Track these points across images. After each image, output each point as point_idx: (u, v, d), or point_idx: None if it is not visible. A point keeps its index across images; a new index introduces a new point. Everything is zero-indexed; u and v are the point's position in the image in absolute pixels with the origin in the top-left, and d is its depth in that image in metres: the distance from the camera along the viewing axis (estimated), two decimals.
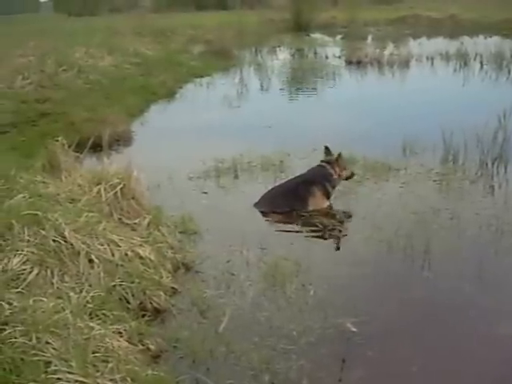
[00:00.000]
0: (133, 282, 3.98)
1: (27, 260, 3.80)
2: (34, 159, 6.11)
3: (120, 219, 4.93)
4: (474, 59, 16.37)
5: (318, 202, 5.82)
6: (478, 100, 11.19)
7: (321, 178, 5.87)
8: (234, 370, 3.38)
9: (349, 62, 17.50)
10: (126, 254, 4.24)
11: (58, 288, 3.72)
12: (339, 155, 5.92)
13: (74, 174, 5.56)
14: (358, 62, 17.23)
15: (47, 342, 2.97)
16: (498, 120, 7.77)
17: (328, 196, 5.89)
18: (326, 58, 18.96)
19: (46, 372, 2.78)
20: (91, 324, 3.31)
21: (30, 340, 2.94)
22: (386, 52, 17.99)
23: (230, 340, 3.62)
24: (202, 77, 15.42)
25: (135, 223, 4.94)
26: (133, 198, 5.12)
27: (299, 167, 6.53)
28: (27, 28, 26.52)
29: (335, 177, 5.89)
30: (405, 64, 16.77)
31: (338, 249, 5.09)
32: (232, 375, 3.32)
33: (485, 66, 15.40)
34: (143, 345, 3.49)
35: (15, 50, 14.24)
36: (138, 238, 4.56)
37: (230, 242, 5.04)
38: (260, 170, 7.05)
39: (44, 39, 16.57)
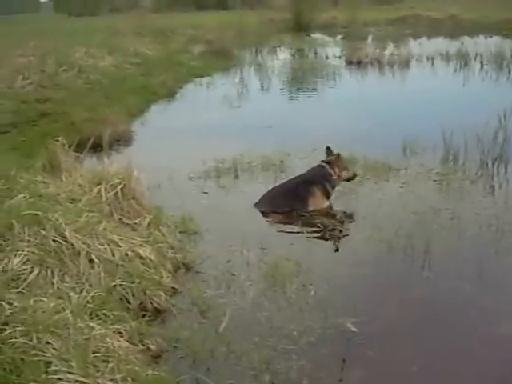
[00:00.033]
0: (133, 282, 3.98)
1: (27, 260, 3.80)
2: (35, 159, 6.11)
3: (120, 219, 4.93)
4: (475, 59, 16.37)
5: (318, 201, 5.82)
6: (478, 100, 11.19)
7: (320, 177, 5.87)
8: (235, 370, 3.38)
9: (349, 62, 17.51)
10: (127, 254, 4.24)
11: (58, 288, 3.73)
12: (338, 156, 5.91)
13: (74, 174, 5.56)
14: (359, 62, 17.24)
15: (47, 342, 2.97)
16: (498, 120, 7.77)
17: (328, 196, 5.89)
18: (327, 58, 18.97)
19: (46, 372, 2.79)
20: (91, 324, 3.32)
21: (31, 340, 2.94)
22: (387, 52, 18.00)
23: (230, 340, 3.62)
24: (202, 77, 15.43)
25: (135, 223, 4.94)
26: (133, 198, 5.12)
27: (299, 167, 6.53)
28: (27, 28, 26.53)
29: (334, 177, 5.88)
30: (405, 64, 16.78)
31: (338, 249, 5.09)
32: (232, 375, 3.32)
33: (485, 66, 15.41)
34: (143, 345, 3.49)
35: (15, 50, 14.24)
36: (139, 238, 4.56)
37: (230, 242, 5.04)
38: (260, 170, 7.05)
39: (44, 39, 16.58)
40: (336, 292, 4.21)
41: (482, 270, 4.47)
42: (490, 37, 22.73)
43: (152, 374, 3.09)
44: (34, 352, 2.87)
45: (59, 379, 2.77)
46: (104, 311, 3.57)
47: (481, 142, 7.05)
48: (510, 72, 14.31)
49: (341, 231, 5.29)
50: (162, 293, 4.05)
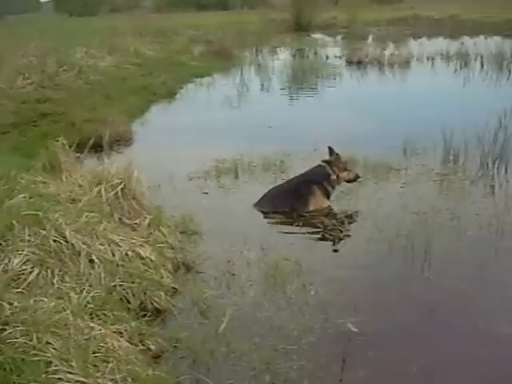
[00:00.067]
0: (133, 282, 3.98)
1: (28, 260, 3.80)
2: (35, 159, 6.10)
3: (120, 219, 4.93)
4: (475, 59, 16.39)
5: (318, 201, 5.81)
6: (478, 100, 11.20)
7: (319, 177, 5.86)
8: (235, 370, 3.38)
9: (349, 62, 17.55)
10: (127, 254, 4.24)
11: (58, 288, 3.72)
12: (337, 156, 5.88)
13: (74, 175, 5.57)
14: (359, 62, 17.27)
15: (48, 342, 2.97)
16: (498, 120, 7.78)
17: (327, 196, 5.89)
18: (327, 58, 18.98)
19: (46, 372, 2.78)
20: (92, 324, 3.32)
21: (31, 340, 2.94)
22: (387, 52, 18.03)
23: (230, 340, 3.62)
24: (202, 77, 15.44)
25: (136, 223, 4.94)
26: (133, 198, 5.12)
27: (300, 167, 6.52)
28: (28, 28, 26.56)
29: (333, 177, 5.86)
30: (405, 64, 16.81)
31: (338, 249, 5.08)
32: (232, 375, 3.32)
33: (485, 67, 15.41)
34: (144, 345, 3.49)
35: (16, 51, 14.24)
36: (139, 238, 4.56)
37: (230, 242, 5.05)
38: (260, 170, 7.05)
39: (45, 39, 16.59)
40: (336, 292, 4.21)
41: (483, 270, 4.48)
42: (491, 37, 22.71)
43: (152, 374, 3.09)
44: (34, 352, 2.87)
45: (59, 379, 2.77)
46: (104, 311, 3.57)
47: (481, 143, 7.05)
48: (510, 72, 14.32)
49: (341, 231, 5.29)
50: (162, 293, 4.04)
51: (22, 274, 3.72)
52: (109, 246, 4.21)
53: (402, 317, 3.95)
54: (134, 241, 4.46)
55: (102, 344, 3.13)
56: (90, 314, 3.49)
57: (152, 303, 3.97)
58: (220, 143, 8.31)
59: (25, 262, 3.78)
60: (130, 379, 2.95)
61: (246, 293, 4.24)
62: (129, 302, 3.89)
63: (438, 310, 4.01)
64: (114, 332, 3.39)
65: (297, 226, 5.45)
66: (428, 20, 32.37)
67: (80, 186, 5.23)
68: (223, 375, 3.32)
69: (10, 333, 2.96)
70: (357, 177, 6.05)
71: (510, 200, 5.82)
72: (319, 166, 5.95)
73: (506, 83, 13.14)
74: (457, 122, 7.91)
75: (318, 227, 5.40)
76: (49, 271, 3.82)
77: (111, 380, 2.89)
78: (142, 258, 4.30)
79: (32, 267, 3.77)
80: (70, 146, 5.91)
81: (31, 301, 3.34)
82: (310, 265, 4.59)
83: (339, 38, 27.19)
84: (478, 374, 3.37)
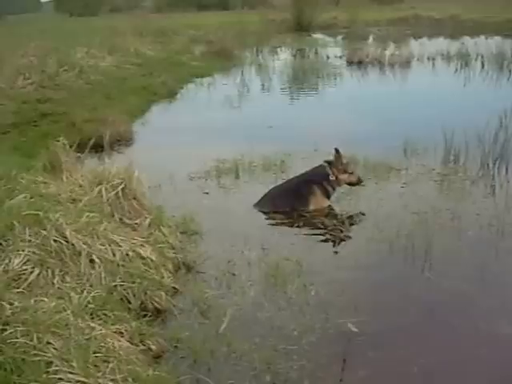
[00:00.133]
0: (134, 282, 3.98)
1: (28, 260, 3.80)
2: (35, 159, 6.11)
3: (121, 219, 4.93)
4: (475, 59, 16.39)
5: (318, 201, 5.81)
6: (479, 100, 11.19)
7: (319, 177, 5.85)
8: (235, 370, 3.39)
9: (350, 62, 17.55)
10: (127, 254, 4.24)
11: (59, 288, 3.72)
12: (337, 157, 5.82)
13: (75, 175, 5.57)
14: (359, 62, 17.28)
15: (48, 342, 2.97)
16: (499, 120, 7.79)
17: (328, 196, 5.88)
18: (328, 58, 18.99)
19: (47, 372, 2.79)
20: (92, 324, 3.32)
21: (31, 340, 2.94)
22: (387, 52, 18.03)
23: (231, 340, 3.62)
24: (203, 77, 15.45)
25: (136, 223, 4.94)
26: (134, 198, 5.12)
27: (300, 167, 6.51)
28: (28, 28, 26.57)
29: (332, 178, 5.84)
30: (406, 64, 16.80)
31: (338, 249, 5.08)
32: (233, 375, 3.33)
33: (486, 67, 15.41)
34: (144, 345, 3.49)
35: (16, 51, 14.25)
36: (139, 238, 4.56)
37: (231, 242, 5.05)
38: (261, 170, 7.05)
39: (45, 39, 16.59)
40: (337, 292, 4.21)
41: (483, 270, 4.48)
42: (491, 37, 22.71)
43: (153, 374, 3.09)
44: (34, 352, 2.87)
45: (60, 379, 2.77)
46: (105, 311, 3.57)
47: (482, 143, 7.05)
48: (510, 72, 14.31)
49: (341, 231, 5.29)
50: (162, 293, 4.04)
51: (23, 273, 3.73)
52: (109, 245, 4.21)
53: (403, 317, 3.95)
54: (134, 241, 4.46)
55: (102, 344, 3.14)
56: (91, 314, 3.49)
57: (152, 303, 3.97)
58: (220, 143, 8.31)
59: (25, 262, 3.78)
60: (130, 379, 2.95)
61: (247, 293, 4.24)
62: (129, 302, 3.89)
63: (438, 310, 4.01)
64: (115, 332, 3.39)
65: (297, 226, 5.46)
66: (428, 20, 32.38)
67: (80, 185, 5.23)
68: (224, 375, 3.32)
69: (10, 333, 2.96)
70: (359, 181, 5.97)
71: (510, 200, 5.82)
72: (320, 166, 5.94)
73: (507, 83, 13.13)
74: (457, 121, 7.91)
75: (319, 227, 5.40)
76: (49, 271, 3.82)
77: (112, 380, 2.89)
78: (142, 257, 4.30)
79: (32, 267, 3.78)
80: (71, 146, 5.92)
81: (32, 301, 3.34)
82: (310, 265, 4.59)
83: (340, 38, 27.20)
84: (478, 375, 3.37)
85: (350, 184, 5.98)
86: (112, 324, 3.48)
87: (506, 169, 6.75)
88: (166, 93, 12.97)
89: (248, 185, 6.61)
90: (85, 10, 49.10)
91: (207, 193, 6.40)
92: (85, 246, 4.06)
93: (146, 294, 3.97)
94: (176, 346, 3.60)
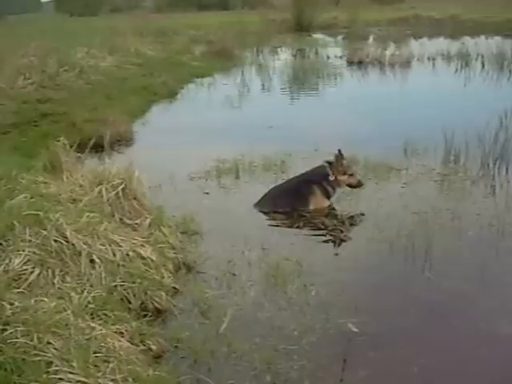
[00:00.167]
0: (134, 282, 3.98)
1: (28, 260, 3.80)
2: (36, 159, 6.11)
3: (121, 219, 4.93)
4: (476, 59, 16.39)
5: (318, 200, 5.81)
6: (479, 100, 11.19)
7: (319, 177, 5.85)
8: (236, 370, 3.39)
9: (350, 63, 17.55)
10: (128, 255, 4.25)
11: (59, 288, 3.73)
12: (337, 158, 5.81)
13: (75, 175, 5.57)
14: (360, 63, 17.28)
15: (48, 342, 2.98)
16: (499, 120, 7.79)
17: (328, 196, 5.88)
18: (328, 58, 18.99)
19: (47, 372, 2.79)
20: (92, 324, 3.32)
21: (32, 340, 2.94)
22: (388, 52, 18.02)
23: (231, 340, 3.62)
24: (203, 77, 15.45)
25: (136, 223, 4.94)
26: (134, 199, 5.12)
27: (301, 167, 6.51)
28: (29, 28, 26.57)
29: (332, 178, 5.83)
30: (406, 64, 16.80)
31: (339, 249, 5.08)
32: (233, 375, 3.33)
33: (486, 67, 15.40)
34: (144, 345, 3.49)
35: (17, 51, 14.25)
36: (140, 239, 4.56)
37: (231, 242, 5.05)
38: (261, 170, 7.05)
39: (45, 39, 16.59)
40: (337, 292, 4.21)
41: (483, 270, 4.48)
42: (491, 37, 22.71)
43: (153, 375, 3.10)
44: (34, 352, 2.88)
45: (60, 379, 2.77)
46: (105, 311, 3.57)
47: (482, 143, 7.05)
48: (511, 72, 14.30)
49: (342, 231, 5.29)
50: (163, 293, 4.05)
51: (23, 274, 3.73)
52: (110, 246, 4.21)
53: (403, 317, 3.95)
54: (134, 241, 4.47)
55: (102, 344, 3.14)
56: (91, 314, 3.49)
57: (153, 303, 3.97)
58: (221, 143, 8.31)
59: (26, 262, 3.78)
60: (130, 379, 2.95)
61: (247, 293, 4.24)
62: (130, 302, 3.90)
63: (438, 311, 4.01)
64: (115, 332, 3.39)
65: (297, 226, 5.45)
66: (429, 20, 32.38)
67: (81, 186, 5.23)
68: (224, 375, 3.32)
69: (10, 333, 2.96)
70: (359, 183, 5.94)
71: (510, 200, 5.82)
72: (321, 166, 5.94)
73: (507, 83, 13.13)
74: (458, 122, 7.91)
75: (319, 227, 5.40)
76: (49, 271, 3.83)
77: (112, 380, 2.89)
78: (142, 258, 4.30)
79: (33, 267, 3.78)
80: (71, 146, 5.92)
81: (32, 301, 3.34)
82: (310, 265, 4.59)
83: (340, 38, 27.20)
84: (478, 375, 3.37)
85: (350, 186, 5.96)
86: (112, 324, 3.48)
87: (507, 169, 6.75)
88: (166, 93, 12.97)
89: (248, 185, 6.61)
90: (85, 10, 49.10)
91: (207, 193, 6.40)
92: (85, 246, 4.06)
93: (146, 294, 3.97)
94: (176, 346, 3.60)
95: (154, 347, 3.50)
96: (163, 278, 4.22)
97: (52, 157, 5.79)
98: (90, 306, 3.56)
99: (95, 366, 2.94)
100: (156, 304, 3.97)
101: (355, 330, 3.66)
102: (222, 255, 4.81)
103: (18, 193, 4.59)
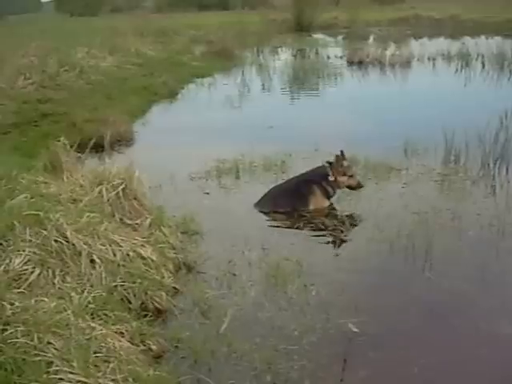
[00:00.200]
0: (134, 283, 3.98)
1: (29, 260, 3.80)
2: (36, 159, 6.11)
3: (122, 219, 4.93)
4: (476, 60, 16.38)
5: (318, 200, 5.81)
6: (479, 100, 11.18)
7: (318, 177, 5.85)
8: (236, 370, 3.39)
9: (350, 63, 17.55)
10: (128, 255, 4.25)
11: (59, 288, 3.73)
12: (337, 159, 5.79)
13: (75, 175, 5.57)
14: (360, 63, 17.28)
15: (49, 342, 2.98)
16: (499, 120, 7.78)
17: (327, 196, 5.87)
18: (328, 58, 18.98)
19: (47, 372, 2.79)
20: (93, 324, 3.32)
21: (32, 340, 2.94)
22: (388, 52, 18.02)
23: (231, 340, 3.62)
24: (203, 77, 15.45)
25: (137, 223, 4.94)
26: (134, 199, 5.13)
27: (301, 167, 6.51)
28: (29, 28, 26.58)
29: (331, 178, 5.83)
30: (406, 64, 16.80)
31: (339, 249, 5.08)
32: (234, 375, 3.33)
33: (486, 67, 15.40)
34: (145, 345, 3.49)
35: (17, 51, 14.25)
36: (140, 239, 4.56)
37: (231, 242, 5.05)
38: (262, 170, 7.05)
39: (46, 39, 16.59)
40: (337, 292, 4.21)
41: (484, 270, 4.48)
42: (491, 37, 22.70)
43: (153, 375, 3.10)
44: (35, 352, 2.88)
45: (60, 379, 2.77)
46: (105, 311, 3.58)
47: (482, 143, 7.05)
48: (511, 72, 14.30)
49: (342, 231, 5.29)
50: (163, 293, 4.05)
51: (23, 274, 3.73)
52: (110, 246, 4.21)
53: (403, 317, 3.95)
54: (135, 241, 4.47)
55: (103, 344, 3.14)
56: (91, 314, 3.49)
57: (153, 303, 3.97)
58: (221, 143, 8.31)
59: (26, 262, 3.78)
60: (131, 379, 2.96)
61: (247, 293, 4.24)
62: (130, 302, 3.90)
63: (438, 311, 4.01)
64: (115, 332, 3.39)
65: (298, 226, 5.45)
66: (429, 20, 32.38)
67: (81, 186, 5.23)
68: (224, 375, 3.32)
69: (11, 333, 2.96)
70: (359, 185, 5.92)
71: (511, 200, 5.82)
72: (321, 166, 5.93)
73: (507, 83, 13.13)
74: (458, 122, 7.91)
75: (319, 227, 5.40)
76: (50, 271, 3.83)
77: (112, 380, 2.89)
78: (143, 258, 4.30)
79: (33, 267, 3.78)
80: (71, 146, 5.92)
81: (32, 301, 3.35)
82: (310, 265, 4.59)
83: (340, 38, 27.20)
84: (479, 375, 3.37)
85: (349, 187, 5.95)
86: (112, 324, 3.48)
87: (507, 169, 6.75)
88: (166, 93, 12.98)
89: (248, 185, 6.61)
90: (85, 10, 49.10)
91: (208, 193, 6.40)
92: (85, 246, 4.06)
93: (146, 294, 3.97)
94: (176, 346, 3.60)
95: (154, 347, 3.51)
96: (163, 278, 4.22)
97: (52, 157, 5.79)
98: (91, 306, 3.56)
99: (95, 366, 2.94)
100: (156, 304, 3.97)
101: (355, 330, 3.66)
102: (223, 255, 4.81)
103: (18, 193, 4.59)
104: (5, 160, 6.21)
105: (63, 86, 11.76)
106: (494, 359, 3.49)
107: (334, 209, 5.86)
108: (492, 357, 3.50)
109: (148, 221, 4.96)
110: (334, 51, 20.30)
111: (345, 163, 5.83)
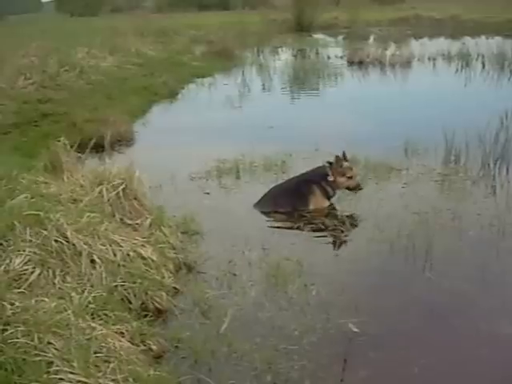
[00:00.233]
0: (135, 283, 3.98)
1: (29, 260, 3.80)
2: (36, 159, 6.11)
3: (122, 219, 4.93)
4: (476, 60, 16.38)
5: (318, 200, 5.81)
6: (479, 100, 11.18)
7: (318, 177, 5.84)
8: (236, 370, 3.38)
9: (351, 63, 17.55)
10: (128, 255, 4.25)
11: (59, 288, 3.73)
12: (337, 159, 5.78)
13: (75, 175, 5.57)
14: (360, 63, 17.28)
15: (49, 343, 2.98)
16: (499, 120, 7.78)
17: (327, 196, 5.87)
18: (328, 58, 18.98)
19: (47, 372, 2.79)
20: (93, 324, 3.32)
21: (32, 340, 2.94)
22: (388, 52, 18.02)
23: (231, 340, 3.62)
24: (203, 77, 15.45)
25: (137, 223, 4.94)
26: (135, 199, 5.13)
27: (301, 167, 6.51)
28: (29, 28, 26.59)
29: (331, 179, 5.83)
30: (406, 64, 16.80)
31: (339, 249, 5.08)
32: (234, 375, 3.32)
33: (487, 67, 15.39)
34: (145, 345, 3.49)
35: (17, 51, 14.26)
36: (140, 239, 4.56)
37: (231, 242, 5.05)
38: (262, 170, 7.05)
39: (46, 39, 16.60)
40: (337, 292, 4.21)
41: (484, 270, 4.48)
42: (492, 37, 22.70)
43: (153, 375, 3.10)
44: (35, 352, 2.88)
45: (61, 379, 2.77)
46: (105, 311, 3.57)
47: (482, 143, 7.05)
48: (511, 72, 14.29)
49: (342, 231, 5.29)
50: (163, 293, 4.05)
51: (24, 274, 3.73)
52: (110, 246, 4.21)
53: (403, 317, 3.95)
54: (135, 241, 4.47)
55: (103, 344, 3.14)
56: (92, 314, 3.49)
57: (153, 303, 3.97)
58: (221, 143, 8.31)
59: (26, 262, 3.78)
60: (131, 379, 2.96)
61: (248, 293, 4.24)
62: (130, 302, 3.90)
63: (438, 311, 4.01)
64: (116, 332, 3.39)
65: (298, 226, 5.45)
66: (429, 20, 32.38)
67: (81, 186, 5.23)
68: (224, 375, 3.32)
69: (11, 333, 2.96)
70: (357, 186, 5.90)
71: (511, 200, 5.82)
72: (321, 166, 5.93)
73: (508, 83, 13.12)
74: (458, 122, 7.91)
75: (320, 228, 5.40)
76: (50, 271, 3.83)
77: (112, 380, 2.89)
78: (143, 258, 4.30)
79: (33, 267, 3.78)
80: (72, 146, 5.92)
81: (32, 301, 3.35)
82: (311, 265, 4.59)
83: (340, 38, 27.20)
84: (479, 375, 3.37)
85: (348, 189, 5.93)
86: (113, 324, 3.48)
87: (507, 169, 6.75)
88: (166, 93, 12.98)
89: (249, 185, 6.61)
90: (86, 10, 49.12)
91: (208, 193, 6.40)
92: (86, 246, 4.06)
93: (146, 294, 3.97)
94: (177, 346, 3.60)
95: (154, 347, 3.50)
96: (164, 278, 4.22)
97: (52, 157, 5.79)
98: (91, 306, 3.56)
99: (96, 366, 2.94)
100: (156, 304, 3.97)
101: (356, 330, 3.65)
102: (223, 255, 4.81)
103: (18, 193, 4.59)
104: (5, 160, 6.21)
105: (63, 86, 11.76)
106: (494, 359, 3.49)
107: (334, 209, 5.86)
108: (492, 357, 3.50)
109: (148, 221, 4.96)
110: (334, 51, 20.29)
111: (345, 164, 5.82)
